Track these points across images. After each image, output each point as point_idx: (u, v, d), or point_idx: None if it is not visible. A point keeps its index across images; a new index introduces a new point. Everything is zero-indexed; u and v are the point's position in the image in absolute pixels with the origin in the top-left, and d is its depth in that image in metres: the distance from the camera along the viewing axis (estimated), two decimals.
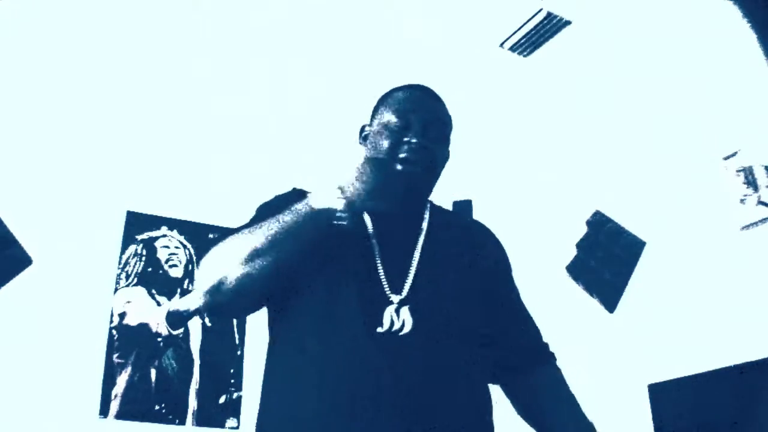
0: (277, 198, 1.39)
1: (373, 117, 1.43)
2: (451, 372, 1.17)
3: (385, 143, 1.31)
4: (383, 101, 1.42)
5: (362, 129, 1.45)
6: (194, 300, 3.60)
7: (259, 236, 1.13)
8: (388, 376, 1.08)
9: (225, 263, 1.13)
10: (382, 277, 1.21)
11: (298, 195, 1.34)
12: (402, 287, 1.20)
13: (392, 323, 1.14)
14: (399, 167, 1.29)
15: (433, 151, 1.34)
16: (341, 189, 1.13)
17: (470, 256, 1.34)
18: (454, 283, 1.26)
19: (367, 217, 1.29)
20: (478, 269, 1.33)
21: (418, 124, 1.33)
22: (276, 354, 1.22)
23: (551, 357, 1.43)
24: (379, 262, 1.23)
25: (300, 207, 1.14)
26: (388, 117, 1.35)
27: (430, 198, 1.42)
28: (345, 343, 1.12)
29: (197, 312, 3.55)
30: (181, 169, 3.73)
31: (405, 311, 1.15)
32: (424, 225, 1.33)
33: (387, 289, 1.19)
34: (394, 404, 1.08)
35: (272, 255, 1.11)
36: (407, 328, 1.14)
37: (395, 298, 1.17)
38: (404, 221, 1.32)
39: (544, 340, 1.45)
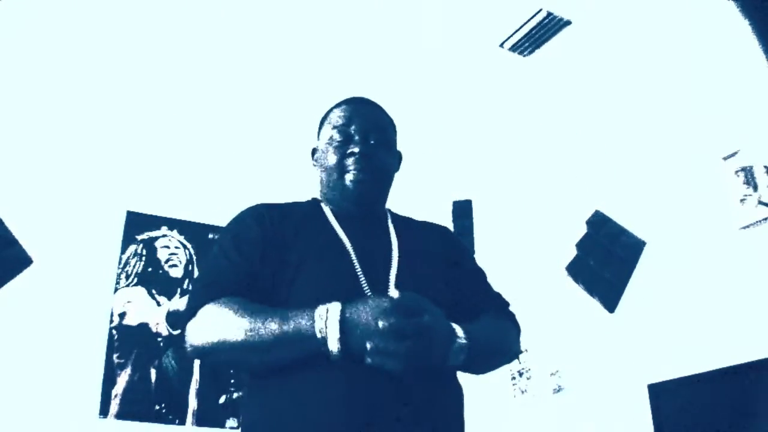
0: (295, 204, 1.43)
1: (318, 138, 1.48)
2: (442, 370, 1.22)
3: (332, 159, 1.38)
4: (324, 120, 1.48)
5: (313, 151, 1.50)
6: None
7: (260, 334, 1.15)
8: (388, 380, 1.11)
9: (221, 340, 1.18)
10: (365, 286, 1.24)
11: (313, 206, 1.41)
12: (386, 293, 1.23)
13: None
14: (349, 178, 1.35)
15: (378, 157, 1.38)
16: (344, 332, 1.09)
17: (436, 250, 1.40)
18: (430, 283, 1.31)
19: (339, 230, 1.34)
20: (446, 260, 1.40)
21: (358, 134, 1.38)
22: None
23: (499, 308, 1.45)
24: (360, 272, 1.26)
25: (305, 327, 1.12)
26: (330, 133, 1.41)
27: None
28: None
29: None
30: (181, 169, 3.74)
31: None
32: (391, 230, 1.39)
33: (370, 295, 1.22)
34: (400, 403, 1.12)
35: (263, 357, 1.18)
36: None
37: None
38: (374, 229, 1.38)
39: (510, 308, 1.47)
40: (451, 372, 1.27)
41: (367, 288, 1.23)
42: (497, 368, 1.41)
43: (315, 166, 1.48)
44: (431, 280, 1.31)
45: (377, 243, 1.34)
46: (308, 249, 1.28)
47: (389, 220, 1.42)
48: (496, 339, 1.33)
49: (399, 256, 1.31)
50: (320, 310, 1.12)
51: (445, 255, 1.41)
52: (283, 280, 1.24)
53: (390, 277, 1.27)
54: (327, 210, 1.39)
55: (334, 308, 1.11)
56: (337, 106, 1.47)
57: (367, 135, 1.39)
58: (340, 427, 1.10)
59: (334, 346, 1.09)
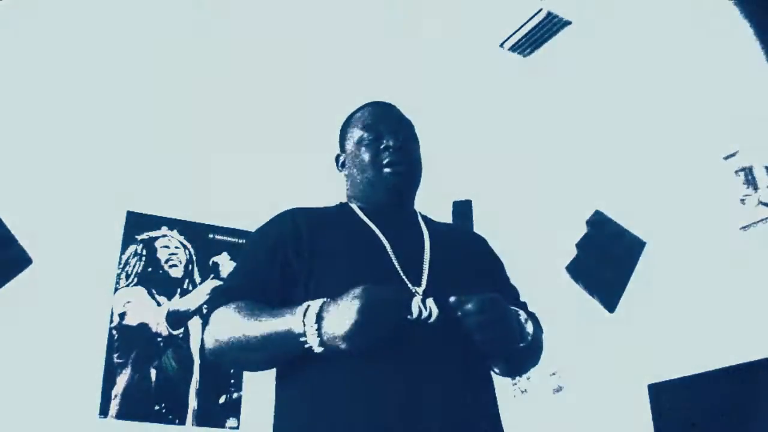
0: (323, 208, 1.45)
1: (343, 143, 1.53)
2: (477, 358, 1.26)
3: (366, 157, 1.42)
4: (347, 126, 1.52)
5: (337, 158, 1.54)
6: (194, 300, 3.60)
7: (252, 333, 1.18)
8: (422, 364, 1.15)
9: (225, 341, 1.23)
10: (400, 271, 1.28)
11: (342, 207, 1.45)
12: (420, 280, 1.27)
13: (420, 312, 1.21)
14: (387, 170, 1.39)
15: (411, 150, 1.45)
16: (320, 329, 1.11)
17: (468, 251, 1.46)
18: (462, 272, 1.35)
19: (370, 223, 1.37)
20: (476, 259, 1.45)
21: (388, 130, 1.44)
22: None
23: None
24: (394, 259, 1.29)
25: (284, 324, 1.14)
26: (359, 134, 1.45)
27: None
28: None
29: (197, 312, 3.56)
30: (181, 169, 3.73)
31: (430, 301, 1.22)
32: (422, 225, 1.43)
33: (408, 282, 1.26)
34: (429, 387, 1.14)
35: (259, 356, 1.22)
36: (434, 317, 1.20)
37: (418, 290, 1.25)
38: (405, 222, 1.42)
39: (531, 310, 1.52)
40: (487, 369, 1.30)
41: (403, 275, 1.26)
42: (530, 369, 1.46)
43: (341, 171, 1.52)
44: (463, 272, 1.35)
45: (408, 236, 1.37)
46: (340, 241, 1.31)
47: (419, 218, 1.46)
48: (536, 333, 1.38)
49: (431, 249, 1.34)
50: (302, 306, 1.13)
51: (477, 258, 1.45)
52: (313, 274, 1.26)
53: (424, 266, 1.30)
54: (356, 209, 1.43)
55: (315, 304, 1.12)
56: (360, 109, 1.51)
57: (397, 132, 1.43)
58: (375, 427, 1.11)
59: (314, 341, 1.10)
